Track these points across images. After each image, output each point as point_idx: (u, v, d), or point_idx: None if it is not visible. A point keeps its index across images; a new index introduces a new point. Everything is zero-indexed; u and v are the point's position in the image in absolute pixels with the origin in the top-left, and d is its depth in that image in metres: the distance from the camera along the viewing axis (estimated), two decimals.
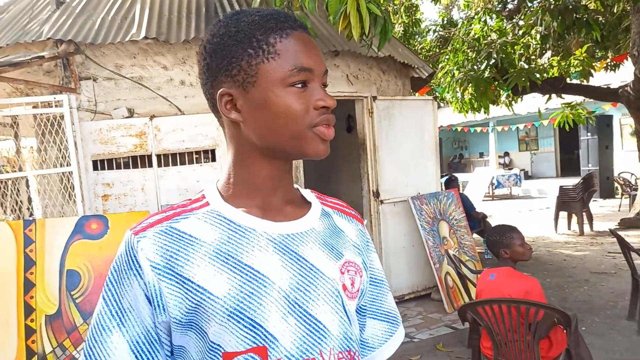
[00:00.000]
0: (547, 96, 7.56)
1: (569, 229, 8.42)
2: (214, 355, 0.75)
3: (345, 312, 0.83)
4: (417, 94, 7.58)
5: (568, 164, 18.16)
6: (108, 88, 3.96)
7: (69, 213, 3.84)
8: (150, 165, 3.90)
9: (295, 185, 0.92)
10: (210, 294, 0.74)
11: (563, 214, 8.39)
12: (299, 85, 0.78)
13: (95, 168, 3.86)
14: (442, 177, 6.94)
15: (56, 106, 3.56)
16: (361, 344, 0.95)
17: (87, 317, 3.32)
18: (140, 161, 3.91)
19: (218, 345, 0.74)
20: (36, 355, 3.31)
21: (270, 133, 0.79)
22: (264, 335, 0.74)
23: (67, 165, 3.65)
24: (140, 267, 0.75)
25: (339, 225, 0.90)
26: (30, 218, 4.22)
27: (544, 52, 7.60)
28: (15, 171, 4.17)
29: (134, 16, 4.04)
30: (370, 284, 0.95)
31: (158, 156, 3.90)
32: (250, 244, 0.78)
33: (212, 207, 0.81)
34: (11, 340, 3.27)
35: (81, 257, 3.37)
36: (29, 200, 4.23)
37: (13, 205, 3.95)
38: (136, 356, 0.76)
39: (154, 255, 0.75)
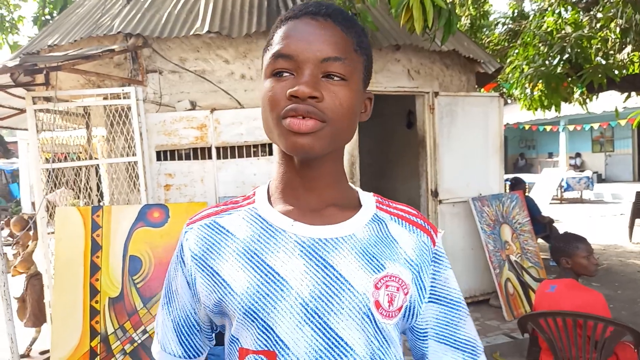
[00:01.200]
0: (625, 94, 7.04)
1: None
2: (233, 348, 0.77)
3: (380, 331, 0.75)
4: (482, 89, 7.29)
5: None
6: (172, 81, 4.08)
7: (133, 201, 4.01)
8: (210, 157, 3.98)
9: (356, 188, 0.87)
10: (231, 289, 0.75)
11: (639, 222, 7.82)
12: (280, 75, 0.74)
13: (158, 158, 3.99)
14: (507, 180, 6.64)
15: (124, 98, 3.71)
16: None
17: (147, 301, 3.45)
18: (200, 153, 4.00)
19: (237, 338, 0.76)
20: (99, 335, 3.48)
21: (263, 123, 0.79)
22: (275, 340, 0.72)
23: (133, 155, 3.80)
24: (184, 255, 0.80)
25: (394, 233, 0.81)
26: (99, 204, 4.44)
27: (624, 46, 7.07)
28: (86, 159, 4.40)
29: (199, 10, 4.13)
30: (440, 305, 0.84)
31: (217, 148, 3.97)
32: (277, 245, 0.76)
33: (255, 204, 0.82)
34: (77, 320, 3.46)
35: (143, 243, 3.51)
36: (97, 187, 4.45)
37: (83, 191, 4.17)
38: (177, 336, 0.84)
39: (195, 246, 0.80)
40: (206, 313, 0.81)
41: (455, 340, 0.85)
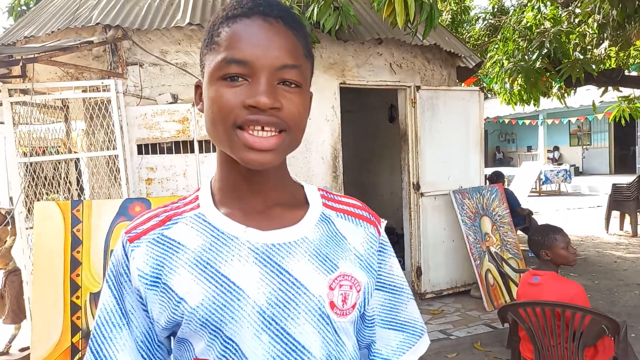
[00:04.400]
0: (602, 89, 7.19)
1: (621, 229, 8.03)
2: (186, 356, 0.75)
3: (335, 331, 0.76)
4: (463, 84, 7.36)
5: (623, 160, 17.31)
6: (153, 74, 4.03)
7: (114, 195, 3.95)
8: (192, 151, 3.95)
9: (302, 183, 0.86)
10: (185, 303, 0.72)
11: (615, 214, 8.01)
12: (231, 79, 0.70)
13: (139, 152, 3.94)
14: (487, 176, 6.71)
15: (104, 90, 3.65)
16: (373, 356, 0.88)
17: None
18: (182, 146, 3.96)
19: (193, 348, 0.74)
20: (80, 331, 3.44)
21: (208, 128, 0.75)
22: (234, 350, 0.71)
23: (113, 149, 3.74)
24: (130, 274, 0.76)
25: (341, 230, 0.81)
26: (79, 199, 4.37)
27: (601, 42, 7.20)
28: (65, 153, 4.33)
29: (180, 2, 4.07)
30: (385, 292, 0.86)
31: (200, 142, 3.94)
32: (231, 253, 0.74)
33: (201, 210, 0.79)
34: (58, 316, 3.41)
35: None
36: (77, 181, 4.38)
37: (62, 186, 4.10)
38: (142, 355, 0.77)
39: (144, 266, 0.75)
40: (159, 330, 0.77)
41: (397, 322, 0.87)
